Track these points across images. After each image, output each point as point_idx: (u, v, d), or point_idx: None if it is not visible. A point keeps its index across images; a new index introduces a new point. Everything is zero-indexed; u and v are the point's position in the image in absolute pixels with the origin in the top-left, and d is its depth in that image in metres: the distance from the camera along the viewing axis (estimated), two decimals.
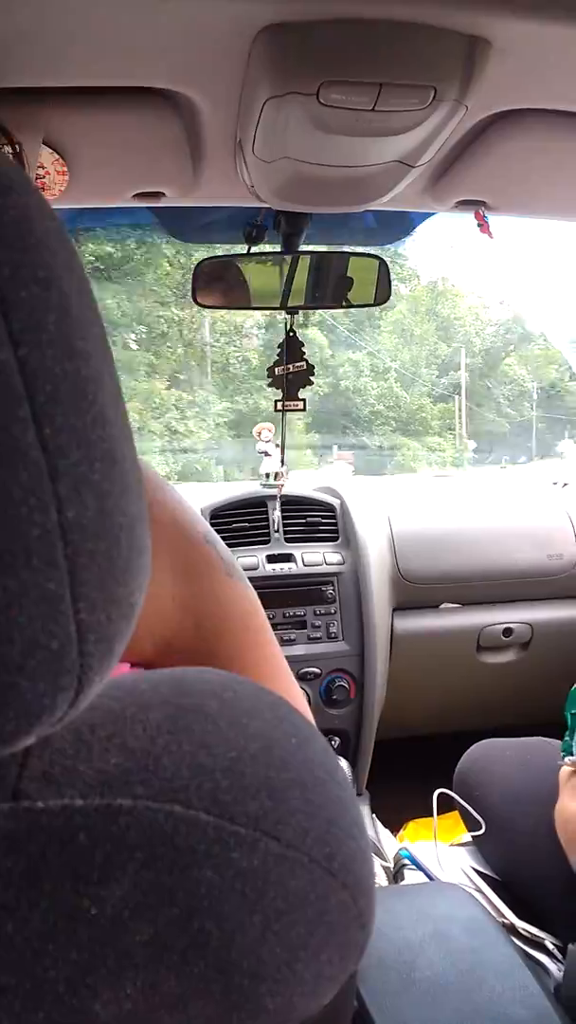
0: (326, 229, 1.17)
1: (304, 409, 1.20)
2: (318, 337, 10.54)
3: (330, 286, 1.14)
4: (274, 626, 0.47)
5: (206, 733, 0.26)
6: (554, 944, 0.85)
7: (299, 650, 1.35)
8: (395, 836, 1.35)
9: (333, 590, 1.39)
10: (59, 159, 0.78)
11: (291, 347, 1.18)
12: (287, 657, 0.44)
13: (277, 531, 1.42)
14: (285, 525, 1.42)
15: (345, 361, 11.86)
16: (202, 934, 0.24)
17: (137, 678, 0.29)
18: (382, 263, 1.11)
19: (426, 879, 1.05)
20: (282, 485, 1.41)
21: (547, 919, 0.89)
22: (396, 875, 1.10)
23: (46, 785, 0.23)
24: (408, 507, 1.59)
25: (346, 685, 1.37)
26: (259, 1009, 0.25)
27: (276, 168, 0.74)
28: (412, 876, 1.07)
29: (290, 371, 1.18)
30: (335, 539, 1.44)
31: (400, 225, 1.18)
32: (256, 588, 0.44)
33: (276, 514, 1.41)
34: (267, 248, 1.11)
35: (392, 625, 1.48)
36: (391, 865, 1.13)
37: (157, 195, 0.91)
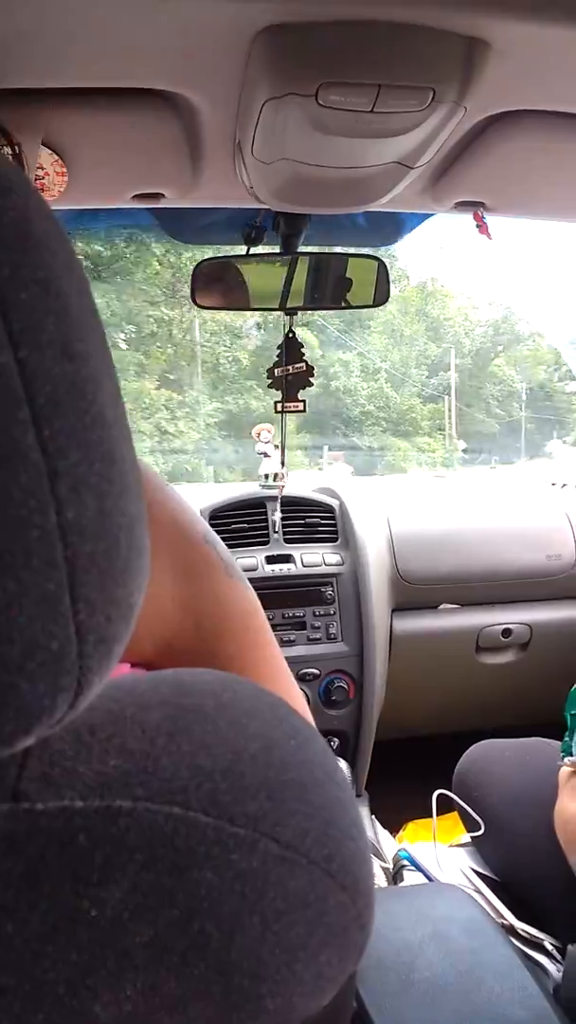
0: (325, 230, 1.18)
1: (304, 410, 1.20)
2: (309, 337, 10.43)
3: (329, 287, 1.14)
4: (273, 627, 0.47)
5: (205, 734, 0.26)
6: (553, 945, 0.85)
7: (298, 651, 1.35)
8: (394, 837, 1.35)
9: (332, 591, 1.39)
10: (58, 160, 0.79)
11: (290, 348, 1.18)
12: (286, 658, 0.44)
13: (276, 532, 1.41)
14: (284, 526, 1.42)
15: (335, 361, 11.78)
16: (202, 935, 0.24)
17: (136, 679, 0.29)
18: (381, 264, 1.11)
19: (425, 880, 1.05)
20: (282, 486, 1.41)
21: (546, 920, 0.89)
22: (395, 876, 1.09)
23: (45, 786, 0.23)
24: (407, 508, 1.59)
25: (345, 686, 1.37)
26: (259, 1010, 0.25)
27: (275, 169, 0.74)
28: (411, 877, 1.07)
29: (290, 372, 1.18)
30: (334, 540, 1.44)
31: (391, 226, 1.18)
32: (255, 589, 0.44)
33: (276, 515, 1.41)
34: (266, 249, 1.11)
35: (391, 626, 1.48)
36: (390, 866, 1.13)
37: (156, 196, 0.91)
